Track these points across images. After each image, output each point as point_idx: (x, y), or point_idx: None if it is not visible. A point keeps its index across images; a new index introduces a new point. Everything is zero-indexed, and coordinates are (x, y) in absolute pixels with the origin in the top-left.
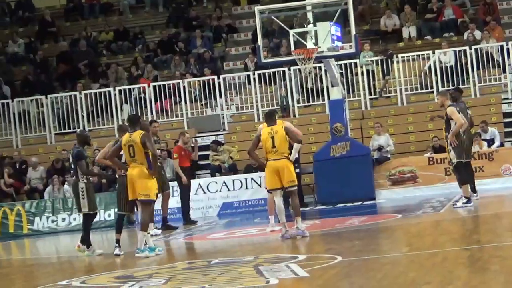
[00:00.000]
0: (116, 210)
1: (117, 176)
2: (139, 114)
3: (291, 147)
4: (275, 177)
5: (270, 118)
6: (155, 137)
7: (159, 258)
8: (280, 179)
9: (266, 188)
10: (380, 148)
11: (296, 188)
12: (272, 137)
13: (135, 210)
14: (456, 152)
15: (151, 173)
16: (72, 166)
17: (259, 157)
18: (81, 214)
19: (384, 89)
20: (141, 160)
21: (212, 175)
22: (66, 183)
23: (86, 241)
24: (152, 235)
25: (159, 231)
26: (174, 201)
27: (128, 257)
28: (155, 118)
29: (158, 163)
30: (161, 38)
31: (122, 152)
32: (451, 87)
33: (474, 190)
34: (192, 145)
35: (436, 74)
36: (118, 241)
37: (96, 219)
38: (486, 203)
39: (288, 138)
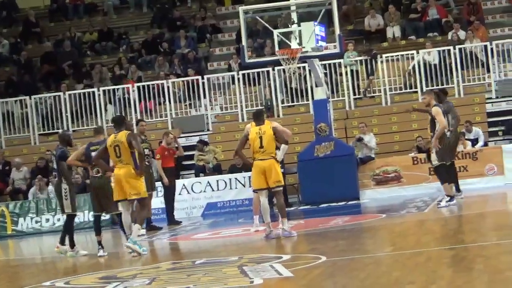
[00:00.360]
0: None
1: (90, 177)
2: (124, 115)
3: (277, 148)
4: (262, 177)
5: (258, 117)
6: (142, 136)
7: (143, 259)
8: (266, 179)
9: (252, 188)
10: (360, 139)
11: (281, 188)
12: (260, 137)
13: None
14: (438, 154)
15: (138, 172)
16: (55, 167)
17: (247, 157)
18: (64, 215)
19: (368, 89)
20: (128, 160)
21: (197, 175)
22: (50, 183)
23: (70, 242)
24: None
25: (144, 231)
26: (158, 202)
27: (113, 257)
28: (139, 118)
29: (146, 163)
30: (145, 39)
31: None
32: (435, 87)
33: (458, 189)
34: (176, 145)
35: (420, 74)
36: (100, 242)
37: (80, 219)
38: (470, 203)
39: (275, 138)
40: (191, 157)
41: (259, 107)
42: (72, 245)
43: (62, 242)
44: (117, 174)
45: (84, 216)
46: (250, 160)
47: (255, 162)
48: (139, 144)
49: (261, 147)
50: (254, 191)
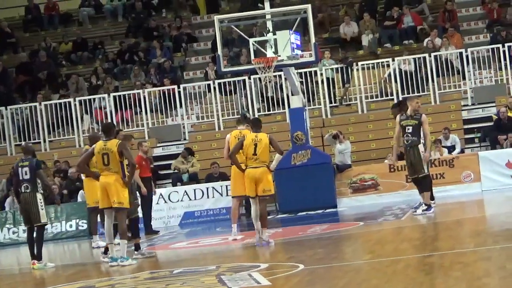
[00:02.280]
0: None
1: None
2: (113, 123)
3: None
4: (253, 184)
5: (256, 124)
6: None
7: (121, 269)
8: (256, 187)
9: (246, 196)
10: (336, 136)
11: (268, 197)
12: (255, 144)
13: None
14: (425, 165)
15: (126, 182)
16: (26, 178)
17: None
18: (35, 226)
19: (344, 97)
20: (116, 169)
21: (174, 184)
22: (10, 196)
23: (38, 253)
24: (115, 244)
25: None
26: None
27: (91, 267)
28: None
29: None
30: (120, 48)
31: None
32: (411, 95)
33: (432, 197)
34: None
35: (396, 82)
36: (138, 245)
37: (58, 229)
38: (447, 210)
39: (272, 147)
40: (168, 167)
41: (240, 115)
42: (40, 257)
43: (39, 257)
44: (104, 182)
45: (62, 226)
46: (242, 166)
47: (247, 169)
48: (131, 155)
49: (255, 154)
50: (249, 198)
